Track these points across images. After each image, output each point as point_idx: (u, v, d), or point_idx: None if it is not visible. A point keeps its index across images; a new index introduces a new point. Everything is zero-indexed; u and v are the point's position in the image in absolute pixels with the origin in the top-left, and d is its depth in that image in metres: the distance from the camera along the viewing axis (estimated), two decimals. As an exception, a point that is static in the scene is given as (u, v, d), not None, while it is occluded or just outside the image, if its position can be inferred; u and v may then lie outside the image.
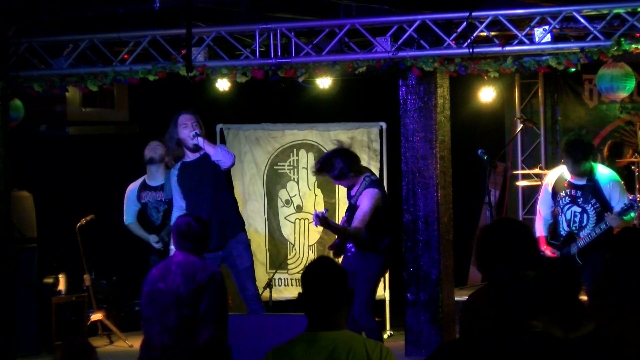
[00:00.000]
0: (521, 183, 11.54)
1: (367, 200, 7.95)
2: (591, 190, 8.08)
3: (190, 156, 8.43)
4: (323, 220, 7.71)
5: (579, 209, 8.13)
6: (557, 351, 3.08)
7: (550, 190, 8.32)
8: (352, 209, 8.09)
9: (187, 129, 8.34)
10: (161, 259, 9.12)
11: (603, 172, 8.17)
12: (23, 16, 8.88)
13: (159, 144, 9.03)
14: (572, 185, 8.16)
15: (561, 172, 8.29)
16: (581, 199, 8.12)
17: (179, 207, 8.43)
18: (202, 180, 8.37)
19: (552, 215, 8.37)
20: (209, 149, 8.32)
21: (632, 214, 8.00)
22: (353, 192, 8.12)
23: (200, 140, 8.30)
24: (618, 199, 8.03)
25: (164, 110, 11.68)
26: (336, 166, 8.07)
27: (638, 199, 9.22)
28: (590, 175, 8.09)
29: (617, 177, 8.24)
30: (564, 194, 8.20)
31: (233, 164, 8.44)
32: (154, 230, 9.12)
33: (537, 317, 3.13)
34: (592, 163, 8.13)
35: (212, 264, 6.51)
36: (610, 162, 10.35)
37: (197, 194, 8.38)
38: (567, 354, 3.11)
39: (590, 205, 8.09)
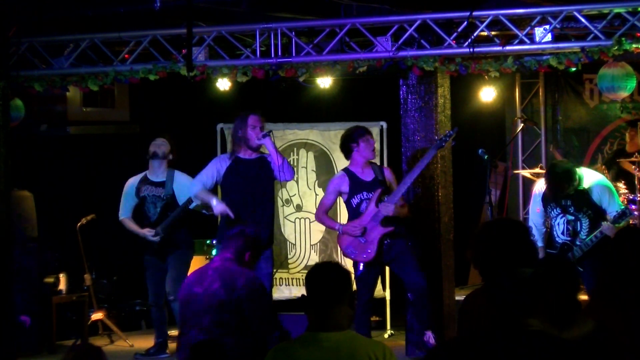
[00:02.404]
0: (521, 171, 11.47)
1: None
2: (580, 198, 8.09)
3: (246, 154, 8.45)
4: None
5: (571, 217, 8.15)
6: (555, 350, 3.08)
7: (540, 199, 8.33)
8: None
9: (256, 130, 8.37)
10: (156, 259, 9.15)
11: (590, 178, 8.16)
12: (24, 16, 8.88)
13: (164, 141, 9.17)
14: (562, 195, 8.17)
15: None
16: (572, 207, 8.14)
17: (202, 183, 8.45)
18: (252, 181, 8.38)
19: (544, 224, 8.38)
20: (274, 155, 8.33)
21: (627, 219, 8.00)
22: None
23: (269, 144, 8.34)
24: (609, 202, 8.04)
25: (164, 110, 11.71)
26: None
27: (638, 199, 9.22)
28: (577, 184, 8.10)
29: (604, 181, 8.24)
30: (554, 204, 8.20)
31: (290, 180, 8.60)
32: (149, 226, 9.13)
33: (534, 315, 3.13)
34: (578, 173, 8.11)
35: (248, 270, 6.37)
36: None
37: (241, 192, 8.38)
38: (565, 353, 3.11)
39: (582, 212, 8.10)
